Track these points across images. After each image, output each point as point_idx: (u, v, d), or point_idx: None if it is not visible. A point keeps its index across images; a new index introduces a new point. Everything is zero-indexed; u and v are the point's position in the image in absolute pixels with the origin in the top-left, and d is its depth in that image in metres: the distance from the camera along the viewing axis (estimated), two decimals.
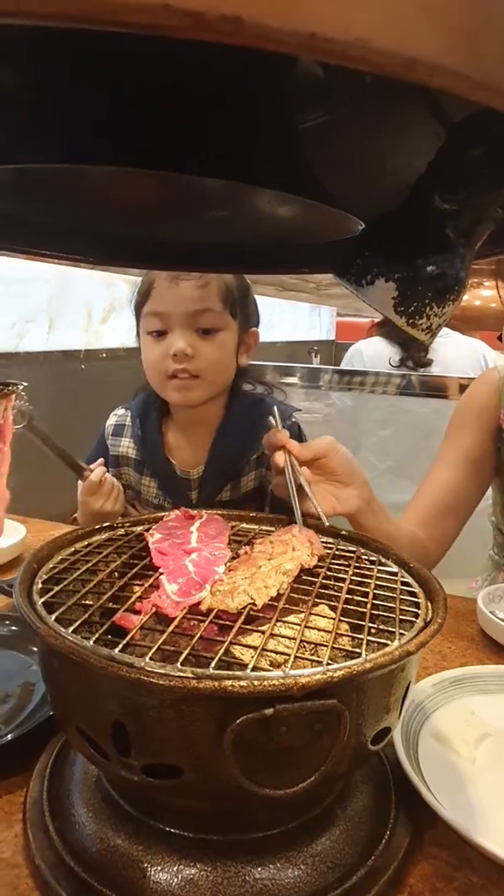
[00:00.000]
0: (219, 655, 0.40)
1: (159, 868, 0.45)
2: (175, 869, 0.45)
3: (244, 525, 0.69)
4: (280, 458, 0.77)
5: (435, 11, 0.22)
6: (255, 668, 0.40)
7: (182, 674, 0.38)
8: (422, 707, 0.66)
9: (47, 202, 0.56)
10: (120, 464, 1.16)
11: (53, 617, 0.45)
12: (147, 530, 0.63)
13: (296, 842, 0.47)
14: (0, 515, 0.45)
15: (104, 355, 1.90)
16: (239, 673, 0.39)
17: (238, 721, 0.37)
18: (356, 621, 0.49)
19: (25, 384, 0.47)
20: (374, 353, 2.09)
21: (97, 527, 0.64)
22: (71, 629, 0.43)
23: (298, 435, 1.10)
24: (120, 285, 1.92)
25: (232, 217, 0.56)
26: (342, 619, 0.49)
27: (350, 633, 0.48)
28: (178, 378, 1.01)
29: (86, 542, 0.61)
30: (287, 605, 0.50)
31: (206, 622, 0.45)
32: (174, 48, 0.38)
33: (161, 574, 0.51)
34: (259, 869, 0.45)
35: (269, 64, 0.42)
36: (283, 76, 0.45)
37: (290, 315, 3.36)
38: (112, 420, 1.19)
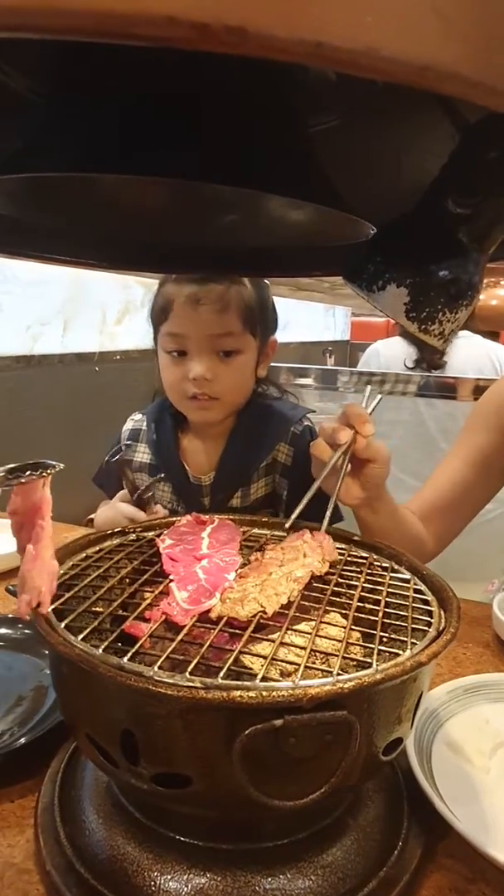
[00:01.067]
0: (227, 665, 0.40)
1: (169, 877, 0.45)
2: (185, 878, 0.45)
3: (256, 530, 0.68)
4: (344, 435, 0.78)
5: (448, 17, 0.22)
6: (264, 678, 0.40)
7: (191, 683, 0.38)
8: (435, 715, 0.66)
9: (61, 209, 0.56)
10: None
11: (63, 624, 0.45)
12: (158, 536, 0.63)
13: (307, 852, 0.47)
14: (50, 587, 0.47)
15: (118, 357, 1.90)
16: (248, 683, 0.38)
17: (247, 732, 0.37)
18: (368, 630, 0.49)
19: (62, 466, 0.50)
20: (392, 354, 2.08)
21: (108, 532, 0.64)
22: (80, 637, 0.43)
23: (311, 437, 1.10)
24: (134, 288, 1.92)
25: (243, 222, 0.56)
26: (354, 627, 0.49)
27: (361, 643, 0.48)
28: (197, 399, 1.01)
29: (97, 548, 0.61)
30: (298, 613, 0.49)
31: (216, 630, 0.45)
32: (185, 56, 0.38)
33: (171, 581, 0.51)
34: (269, 879, 0.45)
35: (281, 70, 0.41)
36: (296, 81, 0.45)
37: (304, 315, 3.35)
38: (129, 425, 1.19)
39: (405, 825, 0.52)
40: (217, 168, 0.45)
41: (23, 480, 0.48)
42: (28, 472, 0.48)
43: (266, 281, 1.12)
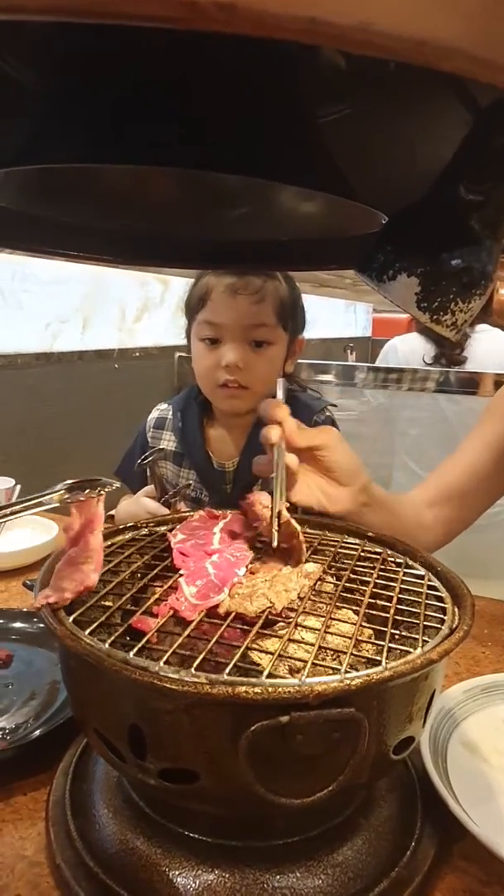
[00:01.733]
0: (234, 660, 0.40)
1: (177, 872, 0.45)
2: (193, 874, 0.45)
3: None
4: (273, 433, 0.71)
5: None
6: (272, 675, 0.40)
7: (196, 679, 0.38)
8: (451, 714, 0.65)
9: (71, 202, 0.56)
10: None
11: (72, 618, 0.45)
12: (170, 530, 0.63)
13: (317, 850, 0.46)
14: (73, 592, 0.48)
15: (137, 354, 1.91)
16: (253, 679, 0.38)
17: (252, 728, 0.37)
18: (380, 627, 0.48)
19: (118, 485, 0.52)
20: (410, 350, 2.06)
21: (121, 527, 0.64)
22: (88, 631, 0.43)
23: (333, 426, 1.09)
24: (153, 285, 1.93)
25: (255, 214, 0.55)
26: (367, 624, 0.48)
27: (372, 640, 0.47)
28: (228, 387, 1.03)
29: (109, 542, 0.61)
30: (309, 610, 0.49)
31: (224, 626, 0.44)
32: (192, 44, 0.38)
33: (180, 576, 0.51)
34: (278, 877, 0.44)
35: (291, 58, 0.41)
36: (306, 69, 0.44)
37: (325, 312, 3.33)
38: (154, 414, 1.21)
39: (419, 825, 0.51)
40: (226, 158, 0.45)
41: (81, 498, 0.50)
42: (87, 490, 0.51)
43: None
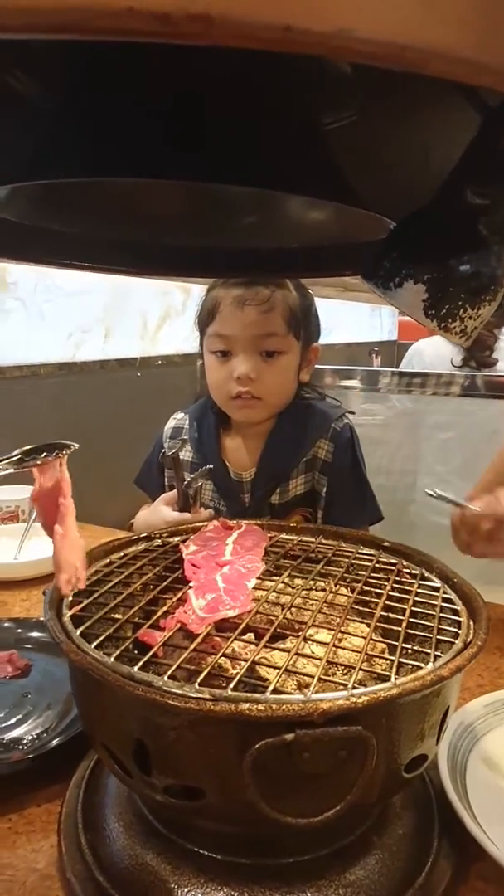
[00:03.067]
0: (238, 676, 0.39)
1: (186, 889, 0.44)
2: (202, 891, 0.44)
3: (284, 536, 0.67)
4: None
5: None
6: (278, 690, 0.39)
7: (199, 695, 0.37)
8: (472, 729, 0.63)
9: (78, 215, 0.56)
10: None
11: (79, 631, 0.45)
12: (184, 541, 0.62)
13: (328, 870, 0.45)
14: (84, 563, 0.47)
15: (160, 362, 1.92)
16: (258, 696, 0.37)
17: (257, 746, 0.36)
18: (392, 641, 0.47)
19: (77, 446, 0.50)
20: (435, 354, 2.03)
21: (134, 537, 0.64)
22: (94, 644, 0.43)
23: (350, 437, 1.08)
24: (174, 293, 1.94)
25: (262, 223, 0.55)
26: (381, 639, 0.47)
27: (384, 655, 0.46)
28: (241, 399, 1.03)
29: (121, 553, 0.61)
30: (321, 623, 0.48)
31: (231, 639, 0.44)
32: (193, 55, 0.38)
33: (190, 588, 0.50)
34: None
35: (295, 66, 0.40)
36: (311, 77, 0.44)
37: (348, 316, 3.31)
38: (171, 423, 1.21)
39: (435, 844, 0.50)
40: (231, 169, 0.45)
41: (38, 462, 0.48)
42: (44, 454, 0.49)
43: (310, 288, 1.12)
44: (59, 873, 0.49)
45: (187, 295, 1.91)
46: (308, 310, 1.07)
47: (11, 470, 0.48)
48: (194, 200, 0.54)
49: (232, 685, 0.38)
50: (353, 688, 0.38)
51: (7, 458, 0.48)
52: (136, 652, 0.44)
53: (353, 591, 0.53)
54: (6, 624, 0.87)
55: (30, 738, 0.64)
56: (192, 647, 0.43)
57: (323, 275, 0.56)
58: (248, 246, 0.59)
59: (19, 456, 0.48)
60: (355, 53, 0.20)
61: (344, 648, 0.45)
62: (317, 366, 1.78)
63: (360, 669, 0.41)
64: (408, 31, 0.20)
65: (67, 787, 0.57)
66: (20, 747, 0.63)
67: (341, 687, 0.39)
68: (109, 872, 0.47)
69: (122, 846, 0.49)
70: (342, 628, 0.47)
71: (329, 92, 0.45)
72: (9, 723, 0.67)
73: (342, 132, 0.48)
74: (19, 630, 0.85)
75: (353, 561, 0.60)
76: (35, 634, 0.84)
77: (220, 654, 0.42)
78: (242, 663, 0.42)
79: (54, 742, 0.63)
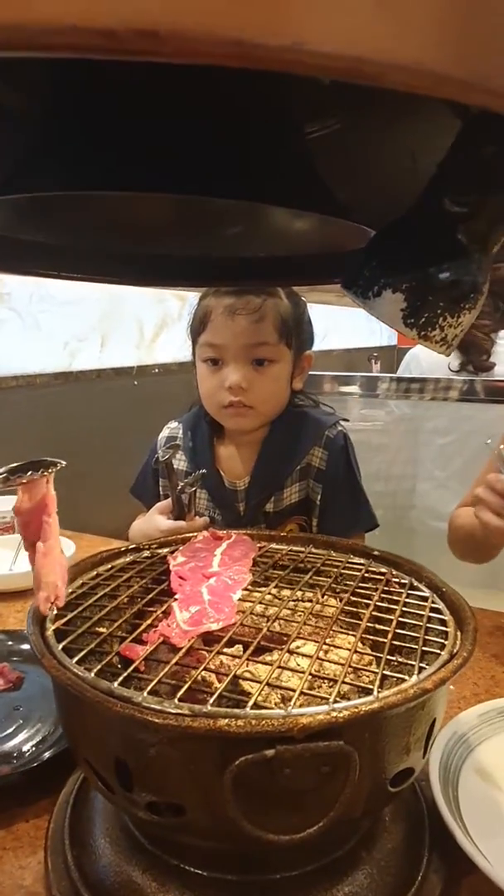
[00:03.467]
0: (219, 691, 0.39)
1: None
2: None
3: (274, 545, 0.67)
4: None
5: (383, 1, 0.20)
6: (259, 705, 0.38)
7: (178, 711, 0.37)
8: (465, 740, 0.62)
9: (65, 226, 0.56)
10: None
11: (62, 645, 0.45)
12: (173, 552, 0.62)
13: (316, 885, 0.45)
14: (64, 581, 0.47)
15: (156, 370, 1.92)
16: (237, 711, 0.37)
17: (237, 762, 0.35)
18: (378, 654, 0.46)
19: (64, 463, 0.50)
20: (432, 359, 2.02)
21: (122, 549, 0.63)
22: (76, 659, 0.43)
23: (344, 445, 1.08)
24: (171, 301, 1.94)
25: (247, 233, 0.55)
26: (362, 650, 0.46)
27: (369, 668, 0.45)
28: (233, 407, 1.03)
29: (109, 566, 0.60)
30: (306, 635, 0.48)
31: (213, 653, 0.43)
32: (173, 69, 0.38)
33: (174, 601, 0.50)
34: None
35: (274, 78, 0.40)
36: (291, 88, 0.44)
37: (347, 322, 3.31)
38: (165, 433, 1.21)
39: (426, 858, 0.49)
40: (214, 181, 0.44)
41: (24, 480, 0.48)
42: (29, 472, 0.49)
43: (310, 294, 1.12)
44: (46, 890, 0.49)
45: (183, 303, 1.91)
46: (300, 318, 1.07)
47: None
48: (181, 210, 0.54)
49: (212, 700, 0.38)
50: (336, 701, 0.38)
51: None
52: (119, 667, 0.43)
53: (341, 601, 0.53)
54: None
55: (19, 752, 0.64)
56: (174, 661, 0.42)
57: (308, 283, 0.56)
58: (234, 255, 0.59)
59: (5, 475, 0.48)
60: (311, 67, 0.20)
61: (329, 661, 0.45)
62: (315, 372, 1.78)
63: (344, 682, 0.41)
64: (363, 42, 0.20)
65: (56, 801, 0.56)
66: (10, 761, 0.62)
67: (324, 701, 0.39)
68: (95, 889, 0.46)
69: (108, 862, 0.48)
70: (328, 640, 0.47)
71: (310, 102, 0.45)
72: None
73: (324, 141, 0.48)
74: (11, 642, 0.85)
75: (343, 571, 0.59)
76: (27, 647, 0.83)
77: (202, 667, 0.42)
78: (226, 677, 0.42)
79: (44, 756, 0.62)
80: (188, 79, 0.38)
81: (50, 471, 0.50)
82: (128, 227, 0.55)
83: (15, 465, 0.50)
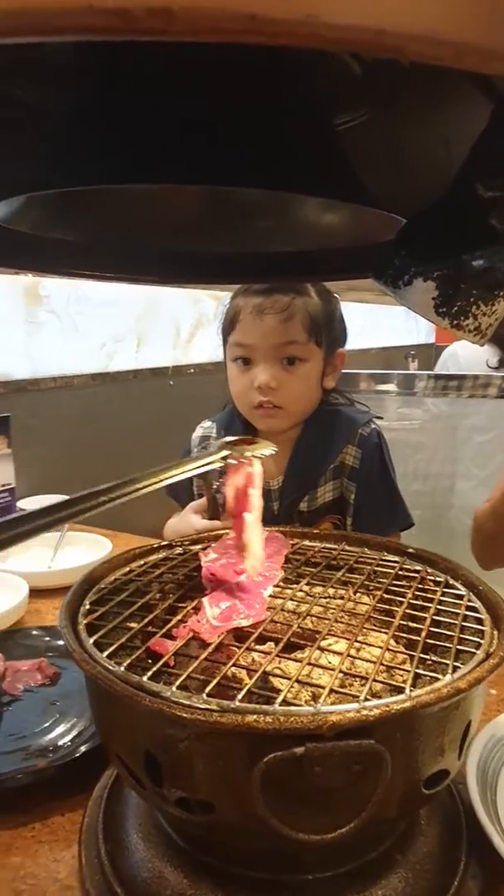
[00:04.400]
0: (248, 687, 0.38)
1: None
2: None
3: (306, 542, 0.66)
4: None
5: None
6: (288, 702, 0.38)
7: (207, 706, 0.36)
8: None
9: (92, 224, 0.57)
10: (203, 475, 1.17)
11: (93, 640, 0.45)
12: (205, 549, 0.62)
13: (349, 887, 0.44)
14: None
15: (192, 370, 1.93)
16: (266, 707, 0.36)
17: (266, 759, 0.35)
18: (412, 652, 0.45)
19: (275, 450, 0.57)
20: (471, 355, 1.98)
21: (154, 545, 0.63)
22: (106, 653, 0.43)
23: (378, 443, 1.06)
24: (206, 301, 1.95)
25: (277, 227, 0.54)
26: (395, 648, 0.45)
27: (402, 666, 0.44)
28: (263, 408, 1.03)
29: (142, 562, 0.60)
30: (338, 633, 0.47)
31: (242, 648, 0.43)
32: (200, 58, 0.37)
33: (205, 596, 0.50)
34: None
35: (304, 66, 0.40)
36: (321, 77, 0.43)
37: (384, 320, 3.27)
38: (198, 432, 1.21)
39: (463, 863, 0.48)
40: (244, 172, 0.44)
41: (242, 459, 0.53)
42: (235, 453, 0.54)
43: (348, 293, 1.11)
44: (80, 884, 0.49)
45: (219, 302, 1.92)
46: (331, 315, 1.05)
47: (218, 466, 0.53)
48: (209, 206, 0.53)
49: (240, 696, 0.37)
50: (367, 700, 0.37)
51: (210, 456, 0.53)
52: (149, 661, 0.43)
53: (374, 598, 0.52)
54: (36, 632, 0.88)
55: (56, 746, 0.64)
56: (203, 656, 0.42)
57: (338, 278, 0.55)
58: (263, 250, 0.59)
59: (222, 451, 0.53)
60: (327, 41, 0.19)
61: (361, 659, 0.44)
62: (351, 370, 1.76)
63: (376, 681, 0.40)
64: (381, 14, 0.19)
65: (91, 796, 0.57)
66: (46, 755, 0.63)
67: (355, 699, 0.38)
68: (127, 885, 0.46)
69: (140, 858, 0.48)
70: (361, 638, 0.46)
71: (341, 89, 0.45)
72: (35, 731, 0.67)
73: (355, 130, 0.47)
74: (48, 638, 0.86)
75: (376, 568, 0.58)
76: (63, 643, 0.84)
77: (231, 663, 0.41)
78: (256, 673, 0.41)
79: (80, 750, 0.63)
80: (216, 69, 0.38)
81: (263, 454, 0.55)
82: (156, 224, 0.55)
83: (230, 438, 0.57)
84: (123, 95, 0.44)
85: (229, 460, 0.53)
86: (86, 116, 0.46)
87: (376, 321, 3.17)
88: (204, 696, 0.37)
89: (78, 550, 1.20)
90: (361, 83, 0.43)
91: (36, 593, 1.04)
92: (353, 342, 1.12)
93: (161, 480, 0.47)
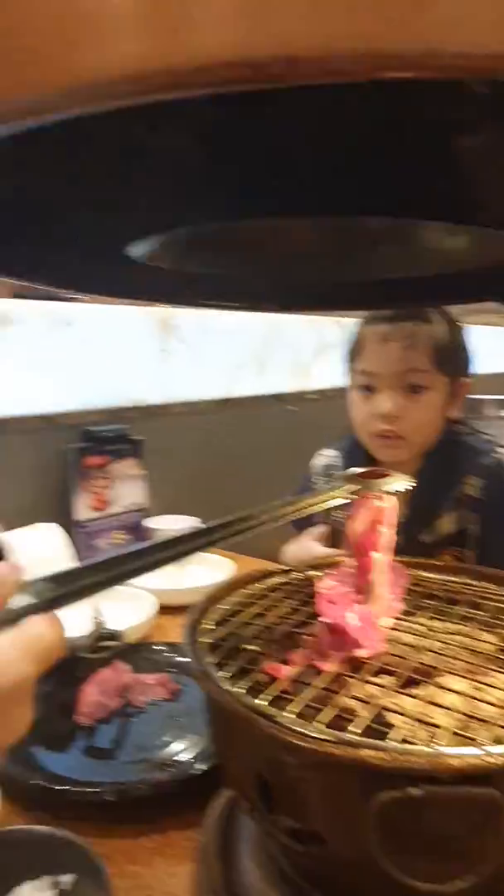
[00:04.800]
0: (366, 721, 0.37)
1: None
2: None
3: (426, 574, 0.64)
4: None
5: None
6: (406, 740, 0.37)
7: (321, 735, 0.36)
8: None
9: (225, 258, 0.59)
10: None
11: (215, 661, 0.46)
12: (322, 576, 0.62)
13: None
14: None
15: (314, 396, 1.94)
16: (381, 743, 0.35)
17: (380, 797, 0.34)
18: None
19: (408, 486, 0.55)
20: None
21: (272, 570, 0.64)
22: (226, 674, 0.44)
23: (499, 473, 1.01)
24: (328, 327, 1.95)
25: (399, 254, 0.54)
26: None
27: None
28: (384, 438, 1.02)
29: (262, 585, 0.61)
30: (459, 672, 0.45)
31: (359, 680, 0.42)
32: (322, 93, 0.39)
33: (320, 623, 0.49)
34: None
35: (424, 93, 0.40)
36: (442, 101, 0.43)
37: None
38: (321, 461, 1.21)
39: None
40: (367, 201, 0.45)
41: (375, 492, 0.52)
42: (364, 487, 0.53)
43: (465, 318, 1.08)
44: None
45: (341, 329, 1.92)
46: (456, 344, 1.03)
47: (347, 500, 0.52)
48: (330, 235, 0.54)
49: (356, 728, 0.36)
50: (489, 745, 0.35)
51: (337, 489, 0.52)
52: (267, 685, 0.44)
53: (498, 637, 0.49)
54: (160, 647, 0.91)
55: (175, 761, 0.66)
56: (320, 685, 0.42)
57: (461, 301, 0.54)
58: (387, 276, 0.59)
59: (347, 483, 0.53)
60: (454, 70, 0.19)
61: (483, 701, 0.41)
62: (477, 396, 1.68)
63: (500, 726, 0.37)
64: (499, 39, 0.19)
65: (207, 814, 0.57)
66: (165, 769, 0.65)
67: (476, 743, 0.36)
68: None
69: (252, 883, 0.48)
70: (483, 679, 0.44)
71: (459, 114, 0.44)
72: (156, 744, 0.69)
73: (476, 152, 0.46)
74: (172, 654, 0.88)
75: (501, 604, 0.55)
76: (185, 660, 0.86)
77: (348, 694, 0.41)
78: (371, 707, 0.40)
79: (199, 768, 0.64)
80: (335, 102, 0.39)
81: (398, 489, 0.53)
82: (284, 254, 0.57)
83: (357, 470, 0.55)
84: (248, 134, 0.46)
85: (358, 495, 0.51)
86: (216, 157, 0.49)
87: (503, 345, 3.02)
88: (320, 724, 0.37)
89: (202, 570, 1.23)
90: (482, 104, 0.42)
91: (161, 609, 1.08)
92: (480, 366, 1.08)
93: (294, 512, 0.47)
